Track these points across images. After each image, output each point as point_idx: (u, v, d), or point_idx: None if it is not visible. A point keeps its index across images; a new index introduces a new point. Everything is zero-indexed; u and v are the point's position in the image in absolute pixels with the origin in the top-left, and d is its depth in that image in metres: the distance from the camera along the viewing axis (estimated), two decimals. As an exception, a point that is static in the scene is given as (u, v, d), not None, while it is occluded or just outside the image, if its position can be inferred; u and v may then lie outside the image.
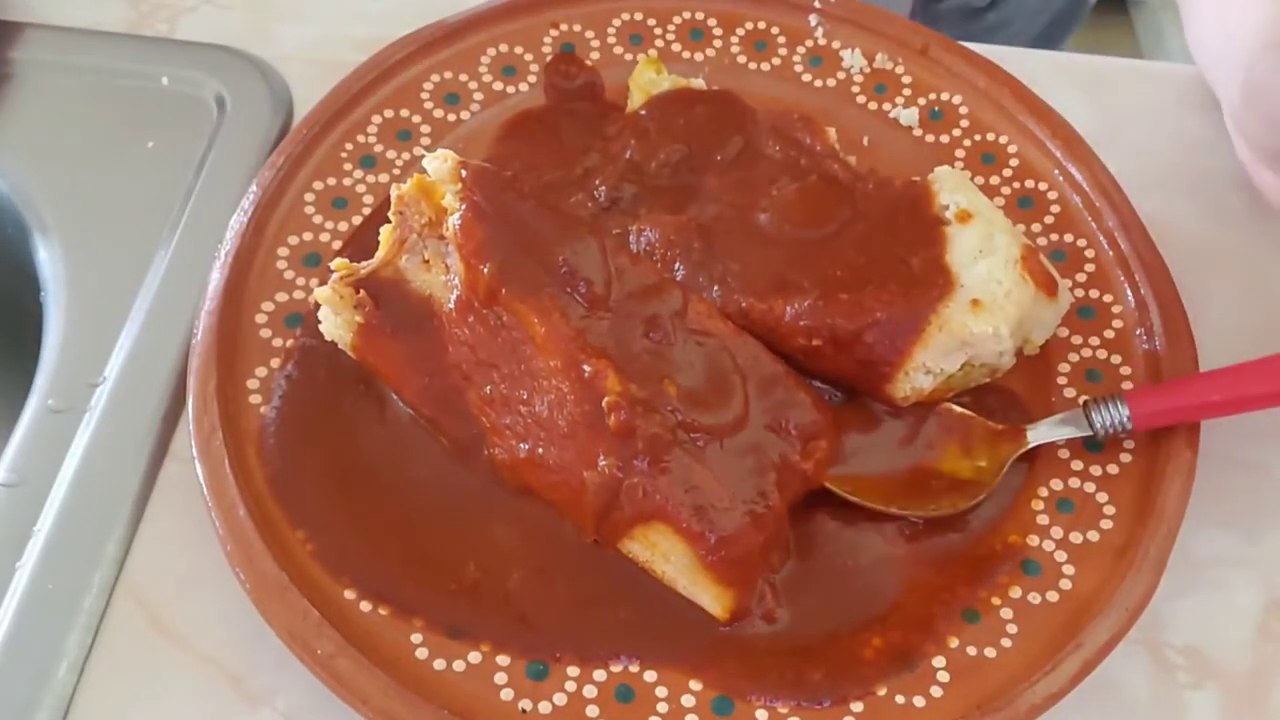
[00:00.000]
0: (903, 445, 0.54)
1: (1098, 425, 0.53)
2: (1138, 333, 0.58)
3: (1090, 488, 0.53)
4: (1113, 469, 0.54)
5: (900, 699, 0.48)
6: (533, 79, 0.66)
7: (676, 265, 0.55)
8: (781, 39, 0.68)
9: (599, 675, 0.48)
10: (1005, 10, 1.05)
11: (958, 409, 0.55)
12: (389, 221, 0.54)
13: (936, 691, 0.48)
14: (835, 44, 0.67)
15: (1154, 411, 0.52)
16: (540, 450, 0.50)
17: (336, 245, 0.59)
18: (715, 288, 0.54)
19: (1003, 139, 0.64)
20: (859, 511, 0.52)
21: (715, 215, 0.57)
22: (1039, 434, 0.53)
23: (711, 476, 0.49)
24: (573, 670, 0.48)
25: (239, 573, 0.48)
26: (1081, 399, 0.55)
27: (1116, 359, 0.57)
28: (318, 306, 0.53)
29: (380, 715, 0.46)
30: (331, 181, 0.61)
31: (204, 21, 0.70)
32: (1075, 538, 0.52)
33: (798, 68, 0.67)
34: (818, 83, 0.67)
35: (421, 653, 0.48)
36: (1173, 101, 0.69)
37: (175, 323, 0.57)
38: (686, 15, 0.68)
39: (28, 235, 0.61)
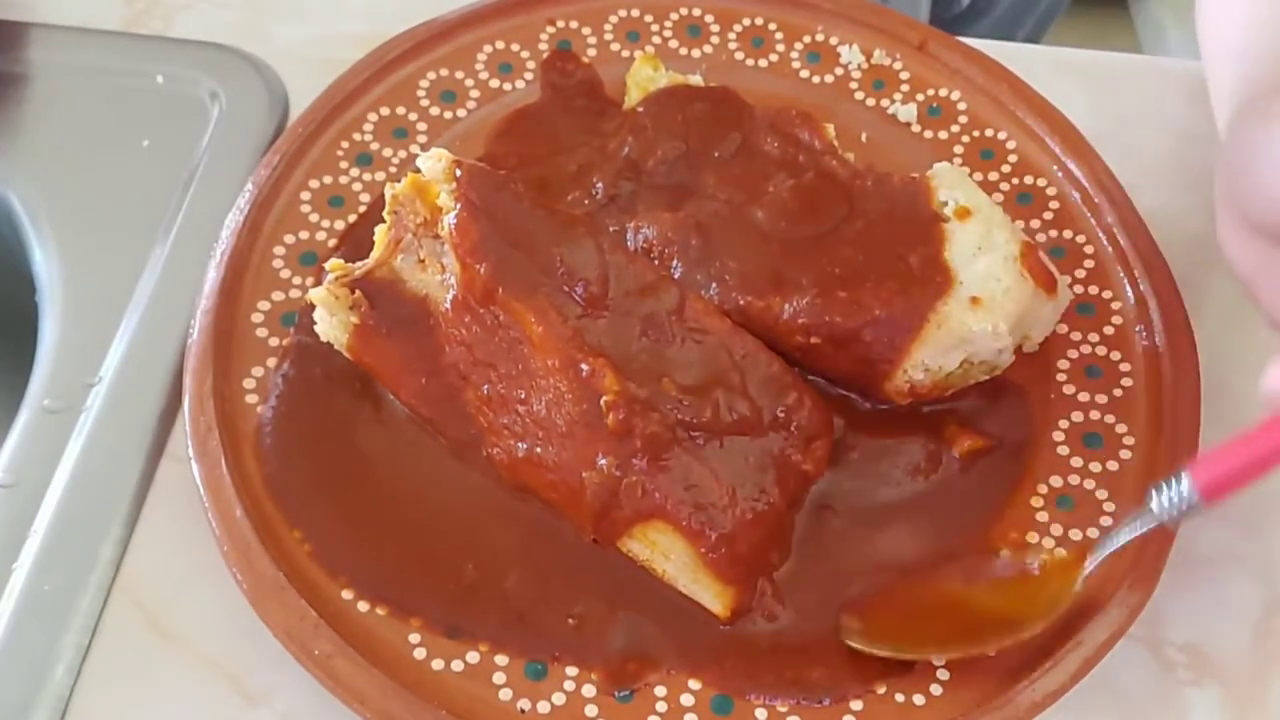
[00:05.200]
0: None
1: (1163, 508, 0.46)
2: (1137, 329, 0.58)
3: (1090, 484, 0.53)
4: (1112, 465, 0.54)
5: (900, 697, 0.48)
6: (529, 76, 0.65)
7: (674, 263, 0.55)
8: (779, 35, 0.67)
9: (597, 674, 0.48)
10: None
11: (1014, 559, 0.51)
12: (384, 221, 0.54)
13: (936, 689, 0.48)
14: (833, 40, 0.67)
15: (1220, 478, 0.45)
16: (538, 450, 0.50)
17: (333, 244, 0.58)
18: (713, 285, 0.54)
19: (1001, 135, 0.64)
20: (859, 510, 0.52)
21: (713, 212, 0.56)
22: (1103, 551, 0.48)
23: (711, 474, 0.49)
24: (571, 670, 0.48)
25: (236, 573, 0.48)
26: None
27: (1116, 355, 0.57)
28: (313, 307, 0.53)
29: (378, 715, 0.46)
30: (327, 180, 0.60)
31: (199, 19, 0.69)
32: (1075, 534, 0.52)
33: (795, 64, 0.67)
34: (815, 79, 0.66)
35: (419, 653, 0.48)
36: (1172, 97, 0.69)
37: (171, 322, 0.57)
38: (684, 11, 0.68)
39: (23, 235, 0.61)
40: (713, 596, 0.49)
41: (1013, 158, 0.63)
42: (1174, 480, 0.46)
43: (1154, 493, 0.47)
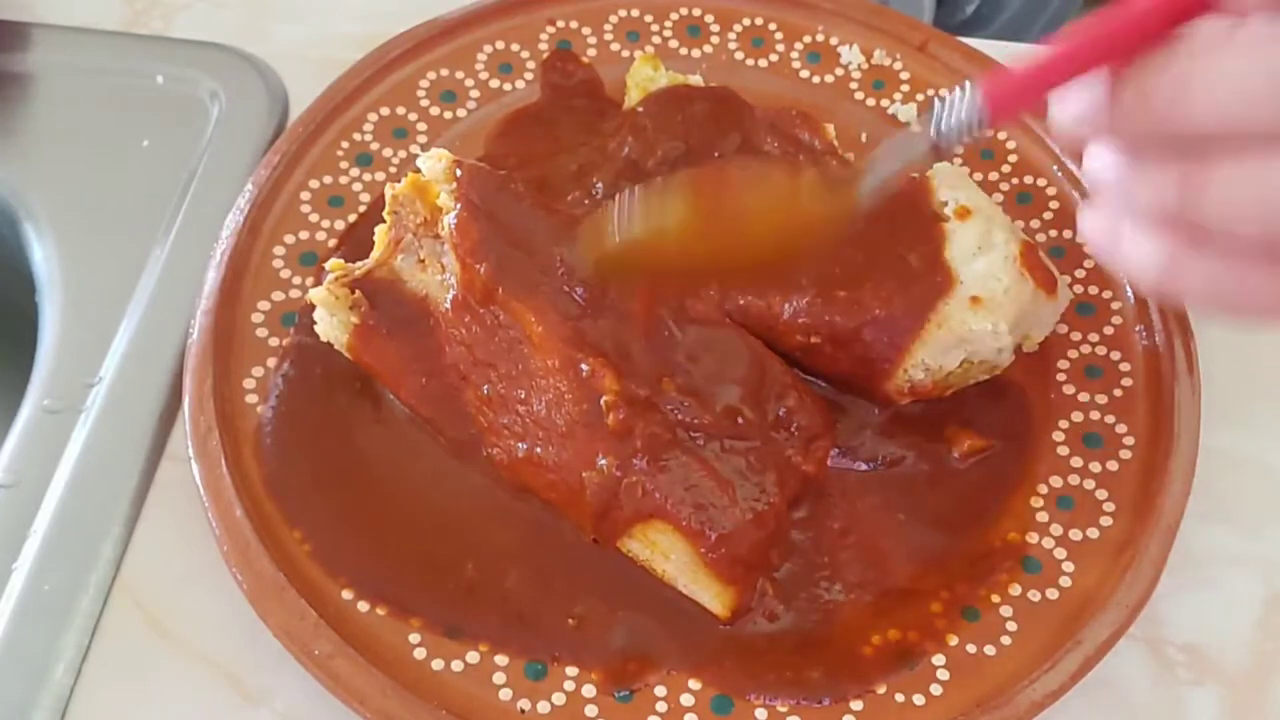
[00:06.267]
0: None
1: (941, 126, 0.37)
2: (1137, 329, 0.58)
3: (1090, 484, 0.53)
4: (1112, 465, 0.54)
5: (900, 697, 0.48)
6: (529, 76, 0.65)
7: (674, 263, 0.55)
8: (779, 35, 0.67)
9: (597, 675, 0.48)
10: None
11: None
12: (384, 220, 0.53)
13: (936, 689, 0.48)
14: (833, 40, 0.67)
15: (1005, 93, 0.36)
16: (538, 450, 0.50)
17: (333, 244, 0.58)
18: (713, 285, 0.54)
19: (1001, 135, 0.64)
20: (859, 509, 0.52)
21: (713, 212, 0.56)
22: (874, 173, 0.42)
23: (711, 474, 0.49)
24: (571, 670, 0.48)
25: (236, 573, 0.48)
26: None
27: (1116, 355, 0.57)
28: (313, 307, 0.53)
29: (378, 715, 0.46)
30: (328, 180, 0.60)
31: (199, 19, 0.69)
32: (1075, 535, 0.52)
33: (795, 64, 0.67)
34: (816, 79, 0.66)
35: (419, 653, 0.48)
36: (1172, 96, 0.68)
37: (171, 322, 0.57)
38: (684, 11, 0.68)
39: (23, 235, 0.61)
40: (713, 596, 0.49)
41: (1013, 158, 0.63)
42: (956, 91, 0.37)
43: (933, 105, 0.37)
